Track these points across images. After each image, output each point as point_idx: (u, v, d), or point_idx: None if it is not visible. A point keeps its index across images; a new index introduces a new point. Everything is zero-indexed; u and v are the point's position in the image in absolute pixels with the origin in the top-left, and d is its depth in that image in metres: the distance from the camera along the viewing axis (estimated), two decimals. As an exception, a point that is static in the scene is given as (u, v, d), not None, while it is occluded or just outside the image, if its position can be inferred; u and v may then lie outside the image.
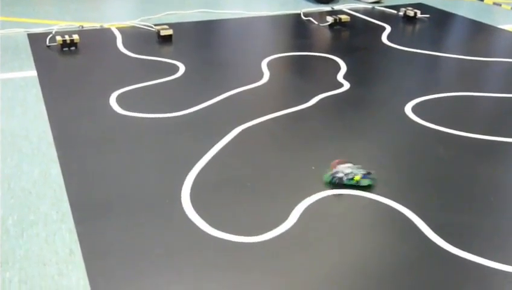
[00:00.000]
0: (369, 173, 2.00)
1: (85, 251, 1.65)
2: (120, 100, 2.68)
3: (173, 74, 3.04)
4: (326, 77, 3.03)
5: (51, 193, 1.94)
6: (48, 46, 3.41)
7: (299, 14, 4.30)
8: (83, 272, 1.56)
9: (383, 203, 1.91)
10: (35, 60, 3.19)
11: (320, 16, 4.27)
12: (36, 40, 3.52)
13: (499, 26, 4.07)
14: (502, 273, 1.60)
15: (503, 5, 4.67)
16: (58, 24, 3.83)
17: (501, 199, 1.96)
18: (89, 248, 1.66)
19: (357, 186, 1.98)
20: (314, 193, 1.96)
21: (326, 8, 4.50)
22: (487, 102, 2.78)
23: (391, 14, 4.38)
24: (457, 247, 1.70)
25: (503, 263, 1.64)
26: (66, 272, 1.57)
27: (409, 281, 1.56)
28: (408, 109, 2.65)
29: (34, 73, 3.01)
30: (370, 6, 4.61)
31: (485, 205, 1.92)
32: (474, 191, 2.00)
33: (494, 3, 4.74)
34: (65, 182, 2.00)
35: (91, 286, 1.51)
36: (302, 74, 3.11)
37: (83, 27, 3.83)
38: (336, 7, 4.52)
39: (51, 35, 3.55)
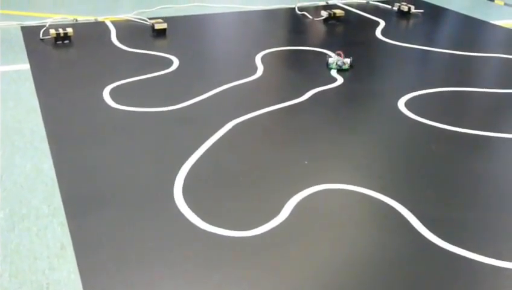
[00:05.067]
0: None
1: (76, 245, 1.65)
2: (114, 94, 2.68)
3: (167, 67, 3.04)
4: (319, 71, 3.03)
5: (42, 187, 1.94)
6: (42, 40, 3.40)
7: (294, 8, 4.30)
8: (74, 266, 1.57)
9: (375, 198, 1.92)
10: (28, 53, 3.18)
11: (315, 10, 4.27)
12: (30, 33, 3.51)
13: (492, 22, 4.07)
14: (493, 267, 1.61)
15: (496, 1, 4.68)
16: (52, 17, 3.82)
17: (492, 194, 1.97)
18: (80, 242, 1.67)
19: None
20: (307, 187, 1.97)
21: (321, 2, 4.50)
22: (480, 97, 2.78)
23: (385, 9, 4.38)
24: (448, 242, 1.71)
25: (493, 258, 1.65)
26: (57, 266, 1.57)
27: (400, 276, 1.57)
28: (401, 103, 2.65)
29: (27, 66, 3.00)
30: (364, 1, 4.61)
31: (476, 200, 1.93)
32: (466, 186, 2.01)
33: (489, -1, 4.75)
34: (57, 176, 2.00)
35: (82, 280, 1.51)
36: (296, 69, 3.11)
37: (77, 20, 3.82)
38: (331, 1, 4.52)
39: (44, 28, 3.54)
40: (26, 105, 2.55)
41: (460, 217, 1.84)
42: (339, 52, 3.13)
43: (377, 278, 1.56)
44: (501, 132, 2.40)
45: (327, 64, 3.06)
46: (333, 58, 3.06)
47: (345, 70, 3.04)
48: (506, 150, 2.28)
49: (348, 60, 3.06)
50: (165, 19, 3.74)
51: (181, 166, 2.08)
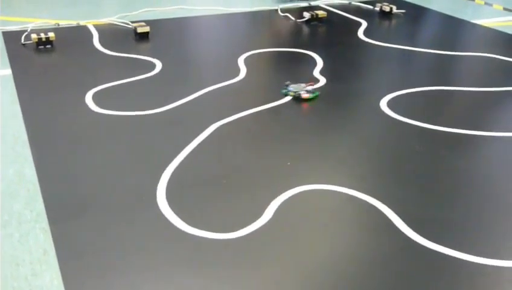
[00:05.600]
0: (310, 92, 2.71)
1: (59, 251, 1.64)
2: (96, 98, 2.67)
3: (150, 71, 3.03)
4: (302, 72, 3.04)
5: (24, 192, 1.93)
6: (23, 44, 3.38)
7: (277, 10, 4.31)
8: (57, 272, 1.56)
9: (358, 198, 1.93)
10: (10, 59, 3.16)
11: (298, 11, 4.28)
12: (11, 38, 3.49)
13: (473, 21, 4.11)
14: (476, 265, 1.63)
15: (476, 0, 4.72)
16: (34, 22, 3.79)
17: (475, 193, 1.99)
18: (63, 247, 1.66)
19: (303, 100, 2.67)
20: (290, 188, 1.97)
21: (304, 3, 4.52)
22: (462, 96, 2.81)
23: (367, 10, 4.41)
24: (431, 240, 1.72)
25: (477, 256, 1.66)
26: (40, 272, 1.56)
27: (384, 275, 1.58)
28: (383, 103, 2.67)
29: (8, 72, 2.98)
30: (347, 1, 4.63)
31: (459, 199, 1.95)
32: (449, 185, 2.03)
33: (469, -2, 4.79)
34: (39, 182, 1.99)
35: (65, 286, 1.51)
36: (279, 70, 3.12)
37: (58, 25, 3.80)
38: (313, 3, 4.54)
39: (26, 33, 3.52)
40: (8, 110, 2.53)
41: (443, 216, 1.86)
42: (311, 83, 2.80)
43: (361, 277, 1.57)
44: (483, 130, 2.43)
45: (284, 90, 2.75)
46: (289, 88, 2.74)
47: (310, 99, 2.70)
48: (489, 148, 2.30)
49: (306, 95, 2.68)
50: (148, 22, 3.73)
51: (164, 169, 2.07)
